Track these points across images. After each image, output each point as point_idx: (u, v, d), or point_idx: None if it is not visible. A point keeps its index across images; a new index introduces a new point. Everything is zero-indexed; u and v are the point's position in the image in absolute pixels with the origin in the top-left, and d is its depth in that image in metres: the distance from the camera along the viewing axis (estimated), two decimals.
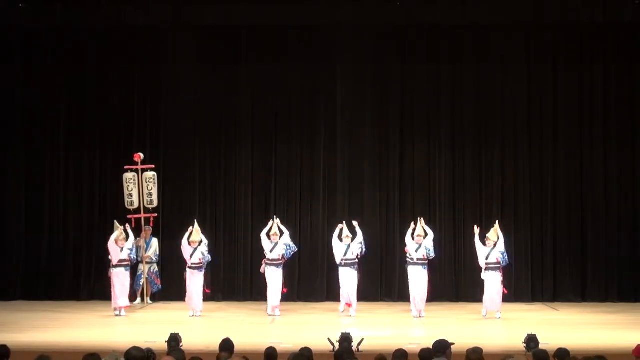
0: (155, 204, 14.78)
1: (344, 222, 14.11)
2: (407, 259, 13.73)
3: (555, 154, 15.61)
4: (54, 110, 15.81)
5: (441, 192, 15.63)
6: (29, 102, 15.74)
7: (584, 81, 15.65)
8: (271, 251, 13.77)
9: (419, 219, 13.93)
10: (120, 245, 13.74)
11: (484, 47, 15.69)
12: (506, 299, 14.76)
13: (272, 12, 15.19)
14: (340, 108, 15.71)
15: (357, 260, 13.87)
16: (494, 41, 15.68)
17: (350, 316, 13.63)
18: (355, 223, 14.00)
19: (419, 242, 13.60)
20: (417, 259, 13.58)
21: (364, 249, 13.95)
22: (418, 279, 13.60)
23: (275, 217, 14.17)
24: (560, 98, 15.65)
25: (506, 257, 13.55)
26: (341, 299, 13.94)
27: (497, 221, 13.93)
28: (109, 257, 13.83)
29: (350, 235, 13.87)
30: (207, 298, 14.17)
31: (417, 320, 13.41)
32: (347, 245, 13.80)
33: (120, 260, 13.69)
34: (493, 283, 13.44)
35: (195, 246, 13.77)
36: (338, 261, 13.89)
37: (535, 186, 15.60)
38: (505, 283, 13.73)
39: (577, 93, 15.64)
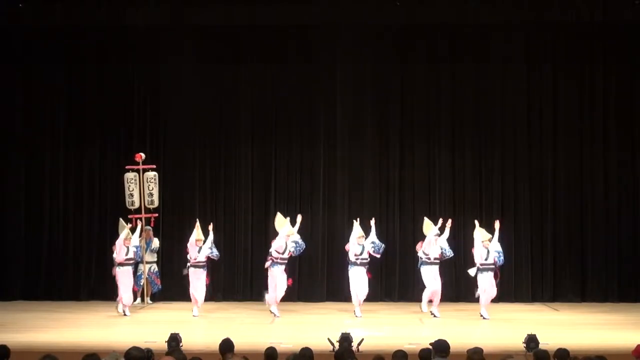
0: (156, 204, 14.80)
1: (357, 219, 13.97)
2: (422, 259, 13.71)
3: (555, 154, 15.59)
4: (54, 110, 15.81)
5: (441, 192, 15.62)
6: (29, 102, 15.74)
7: (584, 81, 15.64)
8: (283, 252, 13.65)
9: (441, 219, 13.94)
10: (126, 245, 13.75)
11: (484, 47, 15.68)
12: (506, 299, 14.82)
13: (272, 12, 15.17)
14: (340, 108, 15.69)
15: (369, 260, 13.77)
16: (494, 41, 15.67)
17: (356, 317, 13.56)
18: (372, 222, 13.90)
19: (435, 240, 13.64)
20: (434, 259, 13.61)
21: (377, 249, 13.81)
22: (430, 277, 13.62)
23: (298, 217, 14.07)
24: (560, 98, 15.64)
25: (502, 257, 13.51)
26: (354, 300, 13.71)
27: (497, 221, 13.91)
28: (114, 255, 13.83)
29: (364, 235, 13.81)
30: (207, 298, 14.16)
31: (417, 320, 13.39)
32: (362, 245, 13.70)
33: (127, 259, 13.70)
34: (486, 283, 13.42)
35: (200, 245, 13.75)
36: (353, 259, 13.69)
37: (535, 186, 15.59)
38: (497, 283, 13.66)
39: (577, 93, 15.63)
